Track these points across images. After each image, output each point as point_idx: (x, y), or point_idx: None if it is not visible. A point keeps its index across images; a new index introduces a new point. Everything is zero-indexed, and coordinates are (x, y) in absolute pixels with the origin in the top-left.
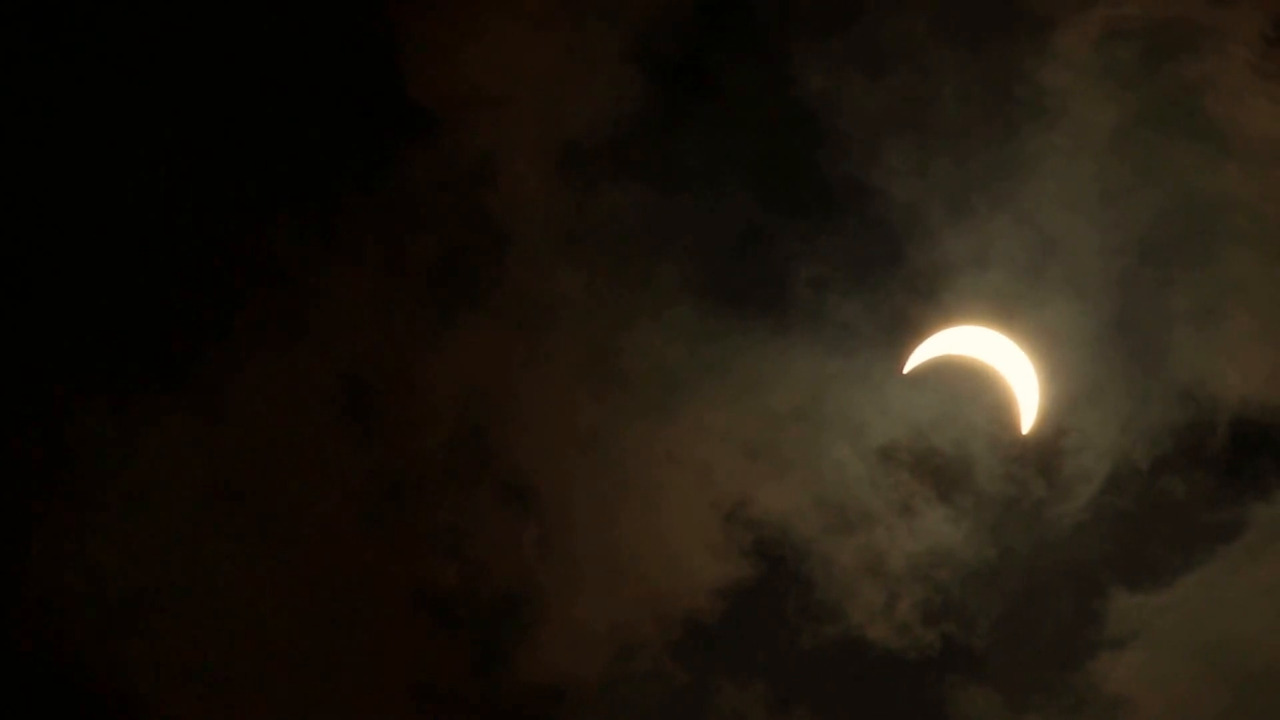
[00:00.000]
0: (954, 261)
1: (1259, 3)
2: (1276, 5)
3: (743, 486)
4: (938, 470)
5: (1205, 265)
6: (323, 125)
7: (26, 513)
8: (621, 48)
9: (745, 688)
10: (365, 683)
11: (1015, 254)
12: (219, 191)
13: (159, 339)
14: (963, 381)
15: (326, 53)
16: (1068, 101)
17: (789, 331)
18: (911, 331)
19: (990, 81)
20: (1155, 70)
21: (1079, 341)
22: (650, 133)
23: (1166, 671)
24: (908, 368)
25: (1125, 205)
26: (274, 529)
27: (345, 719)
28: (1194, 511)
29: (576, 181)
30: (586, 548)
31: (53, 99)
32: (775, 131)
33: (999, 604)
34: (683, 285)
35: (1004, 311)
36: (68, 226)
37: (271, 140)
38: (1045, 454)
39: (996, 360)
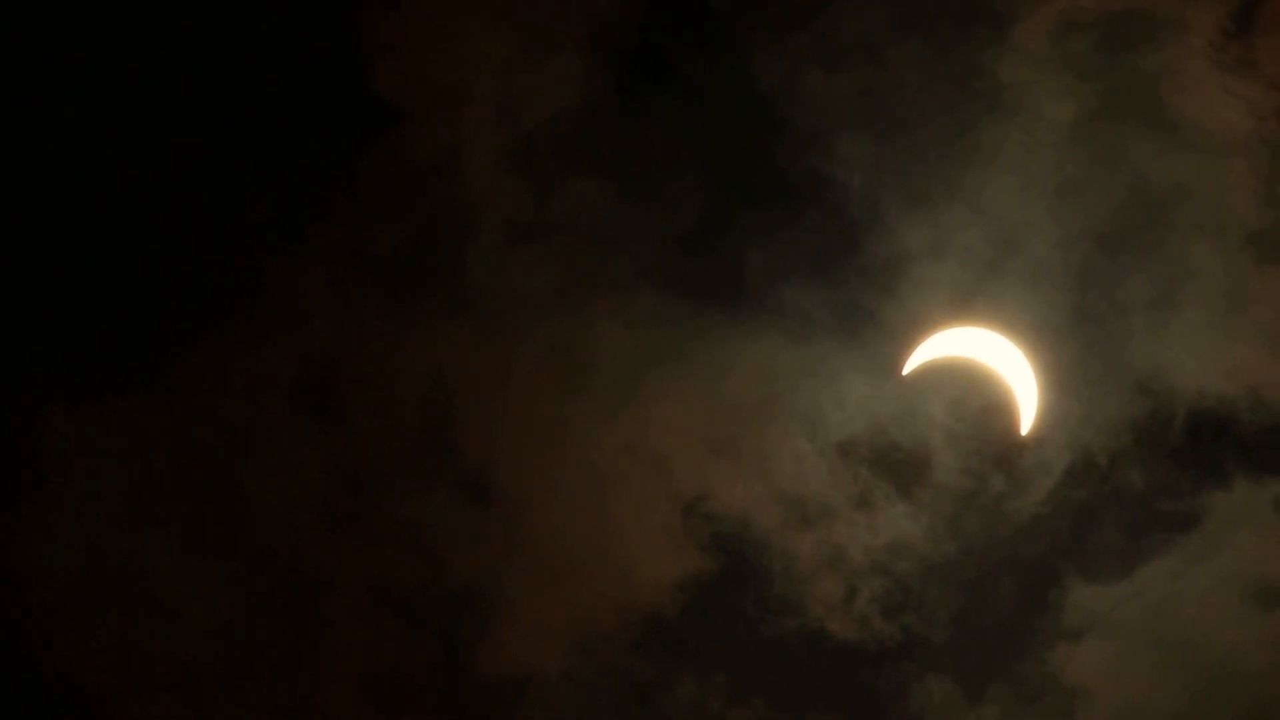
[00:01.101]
0: (911, 253)
1: None
2: None
3: (702, 480)
4: (896, 463)
5: (1163, 257)
6: (285, 120)
7: None
8: (580, 40)
9: (705, 680)
10: (325, 677)
11: (972, 246)
12: (182, 186)
13: (120, 333)
14: (920, 374)
15: (289, 48)
16: (1025, 94)
17: (747, 323)
18: (869, 322)
19: (948, 75)
20: (1112, 62)
21: (1036, 334)
22: (609, 125)
23: (1124, 662)
24: (906, 370)
25: (1083, 197)
26: (235, 523)
27: (305, 714)
28: (1152, 502)
29: (536, 174)
30: (547, 541)
31: (5, 95)
32: (734, 124)
33: (957, 596)
34: (642, 277)
35: (961, 305)
36: (27, 223)
37: (234, 136)
38: (1004, 447)
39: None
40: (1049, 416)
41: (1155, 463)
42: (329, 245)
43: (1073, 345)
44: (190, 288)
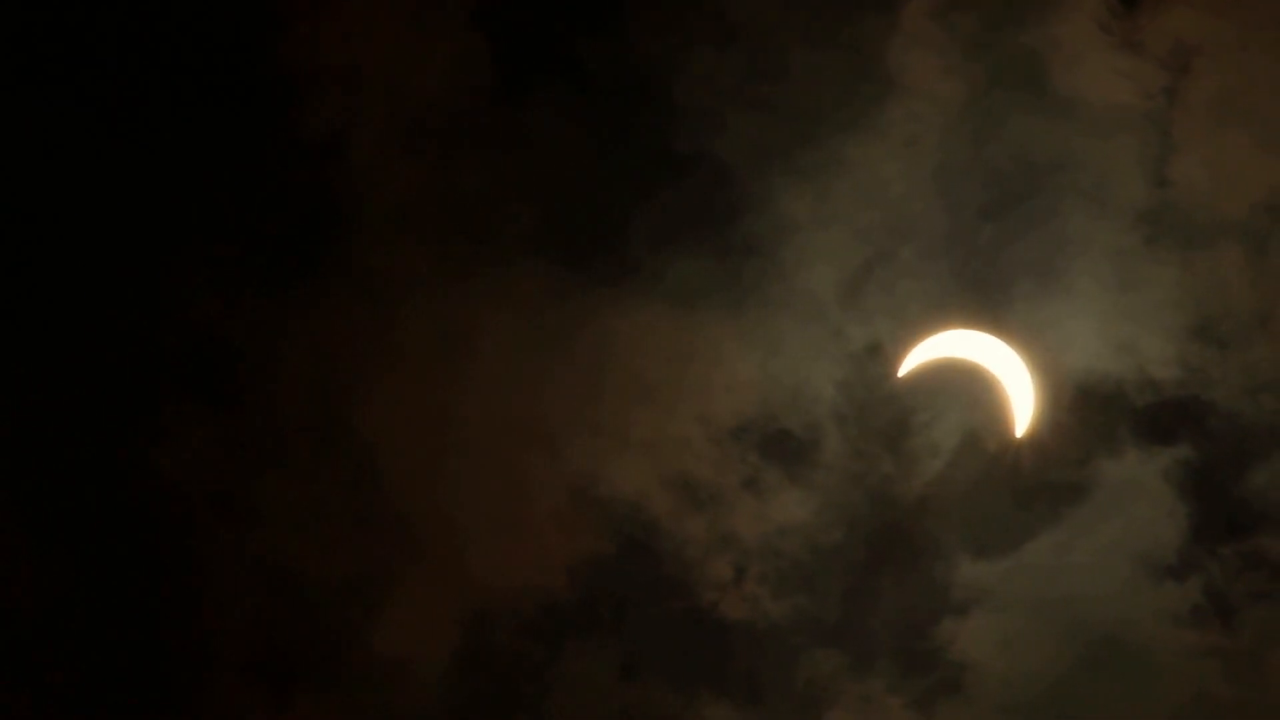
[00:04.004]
0: (797, 228)
1: None
2: None
3: (591, 462)
4: (786, 446)
5: (1050, 235)
6: (172, 97)
7: None
8: (468, 18)
9: (596, 658)
10: (209, 664)
11: (859, 224)
12: (67, 164)
13: (3, 310)
14: (808, 354)
15: (175, 28)
16: (912, 72)
17: (634, 303)
18: (754, 297)
19: (836, 53)
20: (999, 40)
21: (924, 311)
22: (497, 104)
23: (1010, 634)
24: (902, 371)
25: (969, 175)
26: (118, 505)
27: (190, 702)
28: (1041, 474)
29: (424, 154)
30: (437, 523)
31: None
32: (621, 101)
33: (846, 576)
34: (528, 258)
35: (848, 284)
36: None
37: (120, 114)
38: (893, 429)
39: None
40: (938, 398)
41: (1043, 438)
42: (217, 227)
43: (959, 322)
44: (74, 266)
